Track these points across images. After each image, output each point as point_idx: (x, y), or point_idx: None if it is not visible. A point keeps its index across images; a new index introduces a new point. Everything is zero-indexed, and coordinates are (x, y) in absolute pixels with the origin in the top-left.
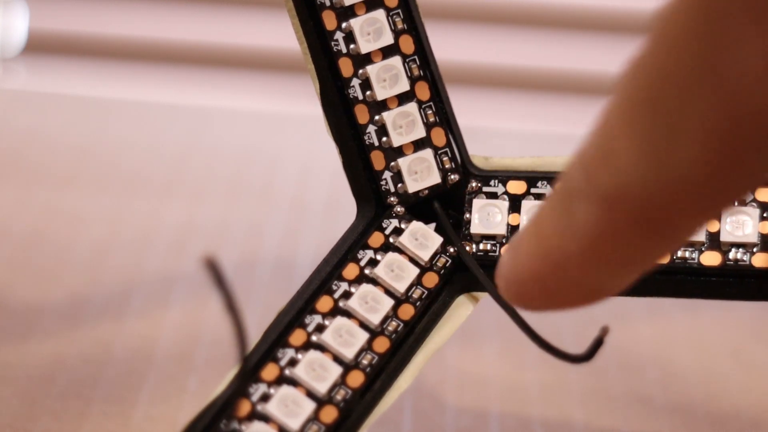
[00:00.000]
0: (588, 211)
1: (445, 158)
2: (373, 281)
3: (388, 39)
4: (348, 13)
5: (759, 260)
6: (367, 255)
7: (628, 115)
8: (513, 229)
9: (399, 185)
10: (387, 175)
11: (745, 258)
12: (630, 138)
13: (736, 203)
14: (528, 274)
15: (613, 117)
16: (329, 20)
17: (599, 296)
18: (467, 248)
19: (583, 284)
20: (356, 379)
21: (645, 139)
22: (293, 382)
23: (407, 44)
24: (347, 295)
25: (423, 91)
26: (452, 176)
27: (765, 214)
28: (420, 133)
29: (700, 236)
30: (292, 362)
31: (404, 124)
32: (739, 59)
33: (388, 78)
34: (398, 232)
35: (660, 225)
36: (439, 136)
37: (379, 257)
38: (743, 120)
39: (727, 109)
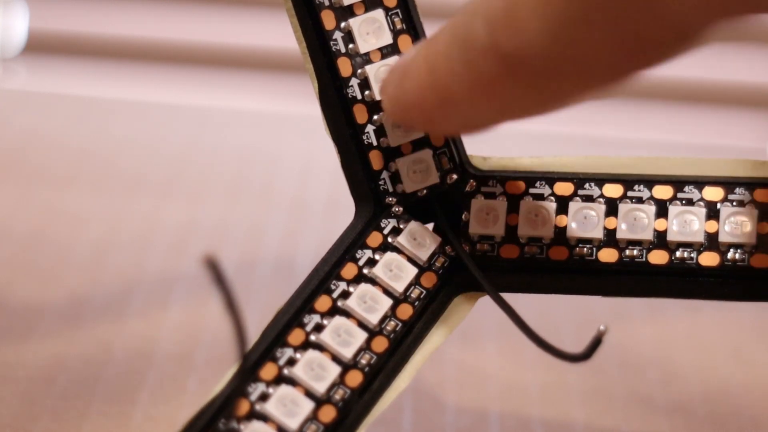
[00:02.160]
0: (486, 64)
1: (444, 158)
2: (372, 281)
3: (387, 39)
4: (347, 12)
5: (757, 261)
6: (365, 255)
7: None
8: (512, 229)
9: (397, 185)
10: (385, 174)
11: (743, 258)
12: (537, 6)
13: (734, 204)
14: (415, 101)
15: None
16: (328, 20)
17: (475, 130)
18: (466, 248)
19: (464, 119)
20: (355, 378)
21: (557, 13)
22: (292, 382)
23: (406, 44)
24: (346, 294)
25: None
26: (451, 176)
27: (762, 215)
28: (419, 132)
29: (699, 237)
30: (291, 362)
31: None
32: None
33: None
34: (397, 231)
35: (548, 88)
36: (438, 137)
37: (377, 257)
38: (655, 31)
39: (647, 16)
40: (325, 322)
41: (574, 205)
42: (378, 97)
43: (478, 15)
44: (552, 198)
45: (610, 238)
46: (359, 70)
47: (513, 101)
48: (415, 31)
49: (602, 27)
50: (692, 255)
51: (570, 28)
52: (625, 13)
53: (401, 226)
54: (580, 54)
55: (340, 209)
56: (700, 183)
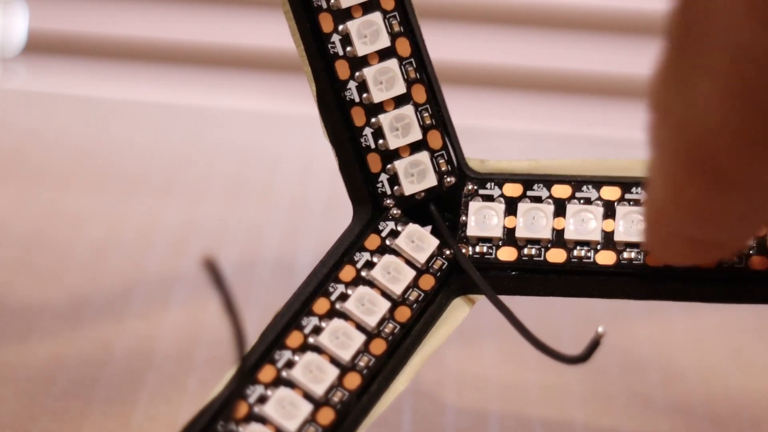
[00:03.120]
0: (654, 157)
1: (442, 161)
2: (370, 283)
3: (384, 42)
4: (345, 15)
5: (755, 263)
6: (363, 257)
7: (665, 65)
8: (509, 231)
9: (395, 188)
10: (383, 177)
11: (740, 261)
12: (669, 84)
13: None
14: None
15: (658, 70)
16: (326, 23)
17: (715, 252)
18: (463, 251)
19: (688, 237)
20: (353, 381)
21: (677, 83)
22: (290, 384)
23: (404, 47)
24: (344, 297)
25: (419, 94)
26: (448, 179)
27: None
28: (416, 135)
29: None
30: (289, 364)
31: (400, 127)
32: (721, 8)
33: (385, 80)
34: (394, 234)
35: (710, 166)
36: (435, 139)
37: (375, 259)
38: (744, 63)
39: (725, 55)
40: (323, 324)
41: (571, 208)
42: (376, 100)
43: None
44: (550, 201)
45: (608, 240)
46: (357, 73)
47: (691, 194)
48: (412, 33)
49: (708, 82)
50: None
51: (688, 90)
52: (716, 59)
53: (399, 229)
54: (710, 118)
55: (340, 209)
56: None
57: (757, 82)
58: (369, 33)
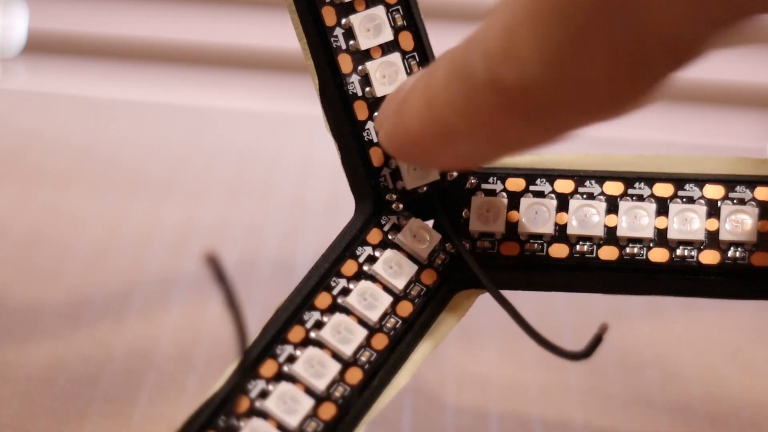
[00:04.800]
0: (485, 98)
1: None
2: (372, 278)
3: (387, 35)
4: (348, 9)
5: (758, 259)
6: (365, 252)
7: (538, 23)
8: (512, 226)
9: (397, 182)
10: (385, 171)
11: (744, 257)
12: (537, 38)
13: (735, 202)
14: (414, 136)
15: (520, 19)
16: (329, 16)
17: (474, 164)
18: (466, 245)
19: (464, 154)
20: (355, 375)
21: (552, 45)
22: (292, 379)
23: (407, 41)
24: (345, 291)
25: None
26: (451, 173)
27: (764, 213)
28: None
29: (700, 235)
30: (291, 359)
31: None
32: None
33: (388, 74)
34: (397, 228)
35: (555, 120)
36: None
37: (377, 254)
38: (649, 44)
39: (636, 31)
40: (325, 319)
41: (574, 203)
42: (378, 94)
43: (476, 48)
44: (552, 195)
45: (611, 235)
46: (360, 67)
47: (514, 135)
48: (415, 27)
49: (597, 49)
50: (693, 253)
51: (567, 54)
52: (616, 33)
53: (401, 223)
54: (579, 80)
55: (340, 209)
56: (700, 181)
57: (650, 60)
58: (372, 26)
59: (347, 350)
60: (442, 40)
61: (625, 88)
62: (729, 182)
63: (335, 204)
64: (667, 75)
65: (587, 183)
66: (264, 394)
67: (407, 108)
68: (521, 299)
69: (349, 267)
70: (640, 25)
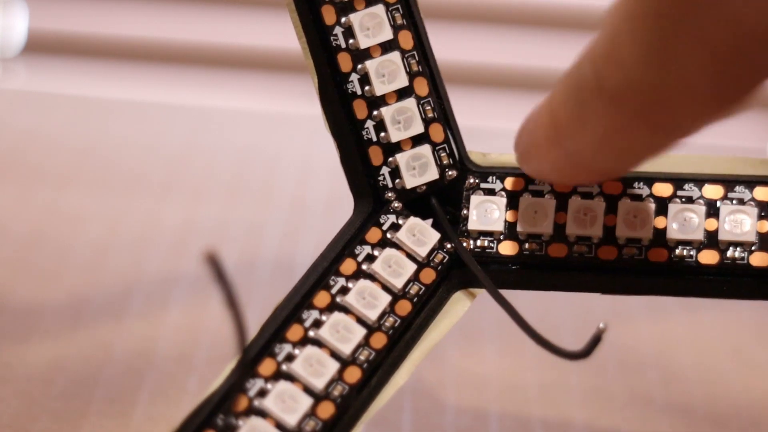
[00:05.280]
0: (597, 106)
1: (443, 154)
2: (371, 277)
3: (387, 34)
4: (347, 7)
5: (757, 259)
6: (364, 250)
7: (635, 20)
8: (510, 225)
9: (397, 181)
10: (385, 170)
11: (743, 257)
12: (635, 39)
13: (734, 202)
14: (538, 143)
15: (619, 16)
16: (328, 15)
17: (604, 177)
18: (464, 244)
19: (591, 167)
20: (353, 374)
21: (650, 42)
22: (290, 378)
23: (406, 40)
24: (344, 290)
25: (422, 87)
26: (450, 172)
27: (763, 213)
28: (418, 128)
29: (698, 234)
30: (289, 357)
31: (402, 120)
32: None
33: (387, 73)
34: (395, 227)
35: (665, 121)
36: (437, 132)
37: (376, 253)
38: (743, 39)
39: (728, 27)
40: (323, 318)
41: (573, 203)
42: (378, 93)
43: (586, 57)
44: (551, 195)
45: (609, 235)
46: (359, 66)
47: (626, 139)
48: (415, 26)
49: (692, 47)
50: (692, 253)
51: (664, 53)
52: (709, 28)
53: (400, 222)
54: (678, 79)
55: (340, 209)
56: (700, 181)
57: (744, 53)
58: (372, 25)
59: (346, 349)
60: (442, 39)
61: (726, 85)
62: (728, 182)
63: (335, 204)
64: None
65: None
66: (263, 393)
67: (535, 124)
68: (521, 299)
69: (348, 266)
70: (732, 19)
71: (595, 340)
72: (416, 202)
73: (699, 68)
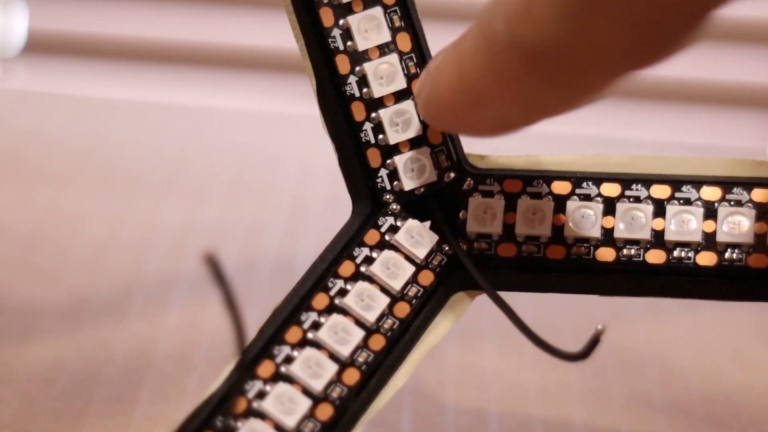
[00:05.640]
0: (508, 60)
1: (441, 156)
2: (369, 279)
3: (385, 36)
4: (345, 9)
5: (754, 261)
6: (362, 252)
7: None
8: (509, 227)
9: (395, 183)
10: (383, 172)
11: (740, 258)
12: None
13: (732, 204)
14: (447, 103)
15: None
16: (326, 17)
17: (506, 130)
18: (463, 246)
19: (495, 118)
20: (352, 376)
21: (567, 2)
22: (289, 380)
23: (404, 42)
24: (343, 292)
25: None
26: (448, 174)
27: (760, 215)
28: (416, 131)
29: (697, 237)
30: (288, 359)
31: (401, 122)
32: None
33: (385, 75)
34: (394, 229)
35: (576, 80)
36: (435, 135)
37: (374, 255)
38: (660, 6)
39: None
40: (322, 319)
41: (571, 204)
42: (376, 95)
43: (498, 11)
44: (549, 197)
45: (608, 237)
46: (357, 68)
47: (539, 96)
48: (413, 28)
49: (612, 11)
50: (690, 254)
51: (581, 13)
52: None
53: (399, 224)
54: (595, 40)
55: (340, 209)
56: (697, 183)
57: (663, 15)
58: (370, 27)
59: (344, 351)
60: (440, 40)
61: (641, 51)
62: (726, 184)
63: (335, 204)
64: (687, 30)
65: (584, 184)
66: (261, 395)
67: (440, 75)
68: (521, 300)
69: (347, 268)
70: None
71: (594, 342)
72: (414, 204)
73: (615, 33)
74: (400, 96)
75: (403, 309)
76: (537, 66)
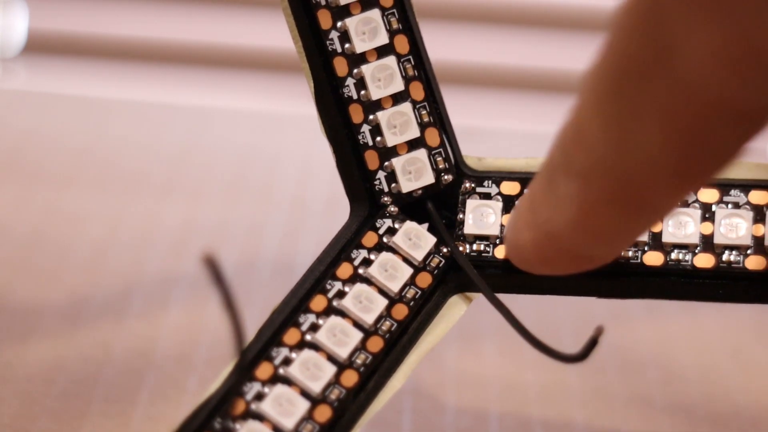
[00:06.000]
0: (568, 186)
1: (439, 158)
2: (367, 281)
3: (383, 39)
4: (343, 12)
5: (752, 263)
6: (360, 254)
7: (596, 100)
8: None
9: (393, 185)
10: (381, 174)
11: (738, 260)
12: (598, 120)
13: (729, 206)
14: (526, 243)
15: (584, 102)
16: (324, 19)
17: (591, 263)
18: (460, 248)
19: (574, 252)
20: (350, 378)
21: (610, 120)
22: (287, 381)
23: (402, 44)
24: (341, 294)
25: (417, 91)
26: (446, 176)
27: (758, 217)
28: (414, 133)
29: (694, 239)
30: (287, 361)
31: (398, 124)
32: (689, 52)
33: (383, 78)
34: (392, 231)
35: (634, 200)
36: (433, 137)
37: (372, 257)
38: (701, 111)
39: (682, 99)
40: (320, 321)
41: None
42: (374, 97)
43: (556, 144)
44: None
45: None
46: (355, 70)
47: (604, 221)
48: (411, 31)
49: (653, 119)
50: (687, 257)
51: (625, 126)
52: (667, 97)
53: (396, 226)
54: (642, 152)
55: (340, 209)
56: None
57: (706, 126)
58: (367, 30)
59: (343, 353)
60: (438, 42)
61: (689, 161)
62: (723, 186)
63: (335, 204)
64: (734, 134)
65: None
66: (260, 397)
67: (518, 218)
68: (520, 301)
69: (345, 270)
70: (689, 91)
71: (592, 343)
72: (412, 207)
73: (659, 144)
74: (397, 98)
75: (401, 311)
76: (592, 186)
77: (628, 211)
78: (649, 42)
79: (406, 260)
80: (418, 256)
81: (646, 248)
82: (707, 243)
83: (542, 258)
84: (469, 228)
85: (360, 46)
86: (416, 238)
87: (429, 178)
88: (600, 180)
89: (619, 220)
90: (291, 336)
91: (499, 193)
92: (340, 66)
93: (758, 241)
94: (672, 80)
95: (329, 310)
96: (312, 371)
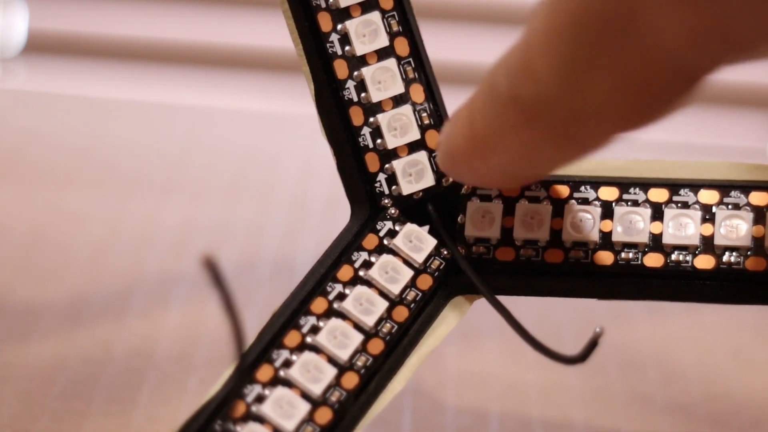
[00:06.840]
0: (510, 114)
1: None
2: (368, 283)
3: (383, 41)
4: (343, 14)
5: (752, 264)
6: (361, 257)
7: (551, 43)
8: (507, 231)
9: (393, 187)
10: (381, 177)
11: (738, 261)
12: (550, 60)
13: (730, 207)
14: (459, 151)
15: (536, 38)
16: (324, 22)
17: (515, 181)
18: (461, 251)
19: (501, 169)
20: (350, 380)
21: (563, 66)
22: (288, 384)
23: (402, 46)
24: (342, 296)
25: (418, 94)
26: (446, 179)
27: (758, 218)
28: (414, 135)
29: (694, 240)
30: (287, 363)
31: (399, 126)
32: (653, 19)
33: (383, 80)
34: (392, 234)
35: (571, 138)
36: (433, 139)
37: (373, 259)
38: (657, 66)
39: (640, 60)
40: (321, 324)
41: (569, 208)
42: (374, 100)
43: (501, 66)
44: (547, 200)
45: (606, 240)
46: (355, 73)
47: (540, 149)
48: (411, 33)
49: (606, 69)
50: (687, 258)
51: (578, 74)
52: (623, 53)
53: (397, 229)
54: (589, 100)
55: (340, 210)
56: (695, 186)
57: (658, 86)
58: (368, 32)
59: (343, 355)
60: (438, 44)
61: (637, 109)
62: (723, 187)
63: (335, 204)
64: (681, 94)
65: (582, 188)
66: (260, 399)
67: (454, 125)
68: (520, 302)
69: (345, 272)
70: (648, 45)
71: (592, 345)
72: (413, 209)
73: (612, 92)
74: (398, 100)
75: (401, 313)
76: (537, 120)
77: (565, 143)
78: (614, 2)
79: (407, 262)
80: (419, 258)
81: (646, 250)
82: (707, 244)
83: (471, 168)
84: (470, 230)
85: (360, 48)
86: (417, 241)
87: (429, 181)
88: (544, 114)
89: (555, 150)
90: (291, 338)
91: (500, 195)
92: (341, 68)
93: (758, 242)
94: (633, 43)
95: (330, 313)
96: (312, 373)
